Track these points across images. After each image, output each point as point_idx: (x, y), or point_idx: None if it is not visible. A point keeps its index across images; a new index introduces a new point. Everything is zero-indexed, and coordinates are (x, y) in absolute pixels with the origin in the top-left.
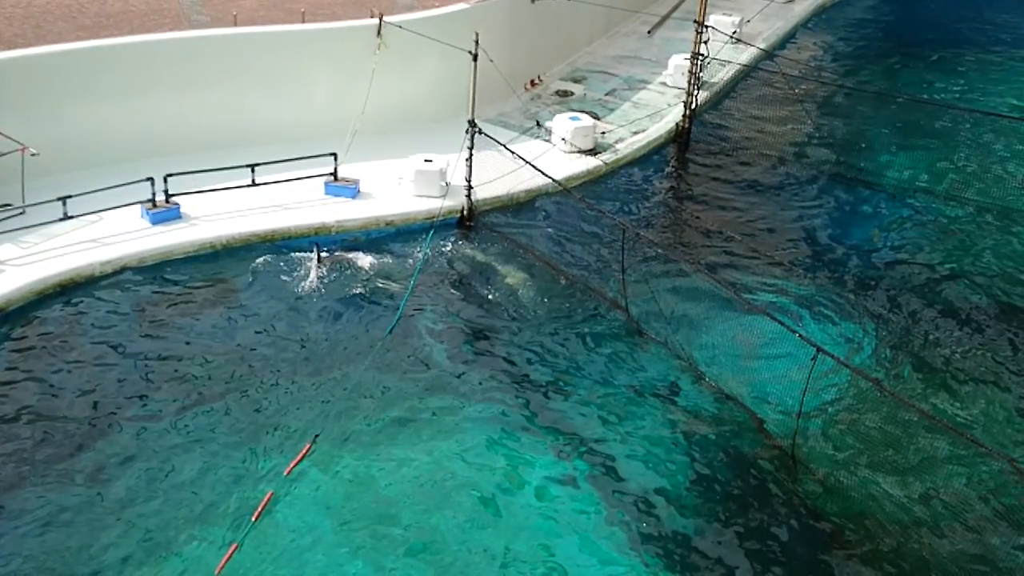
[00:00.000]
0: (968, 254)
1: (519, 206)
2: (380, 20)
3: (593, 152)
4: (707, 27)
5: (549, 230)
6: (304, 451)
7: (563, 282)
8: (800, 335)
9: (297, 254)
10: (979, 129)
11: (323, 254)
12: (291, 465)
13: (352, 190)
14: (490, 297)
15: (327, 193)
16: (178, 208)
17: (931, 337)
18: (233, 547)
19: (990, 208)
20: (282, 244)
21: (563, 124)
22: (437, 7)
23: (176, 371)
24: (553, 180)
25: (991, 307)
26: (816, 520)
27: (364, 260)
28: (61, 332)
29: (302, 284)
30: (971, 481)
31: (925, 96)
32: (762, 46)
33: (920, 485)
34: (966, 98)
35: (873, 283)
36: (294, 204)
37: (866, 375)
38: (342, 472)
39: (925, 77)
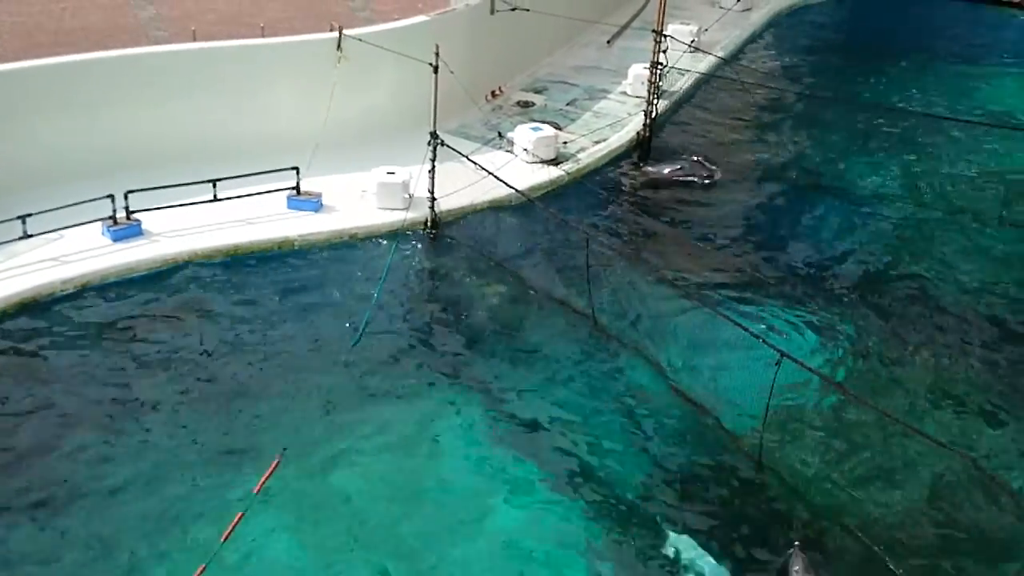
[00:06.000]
0: (927, 257)
1: (483, 216)
2: (340, 33)
3: (555, 162)
4: (666, 36)
5: (514, 240)
6: (272, 467)
7: (529, 291)
8: (764, 340)
9: (262, 267)
10: (935, 134)
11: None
12: (260, 482)
13: (315, 204)
14: (456, 307)
15: (289, 207)
16: (139, 225)
17: (893, 341)
18: (201, 568)
19: (949, 210)
20: (245, 259)
21: (525, 134)
22: (396, 19)
23: (140, 388)
24: (516, 190)
25: (951, 310)
26: (781, 522)
27: (327, 272)
28: (22, 351)
29: (267, 298)
30: (932, 478)
31: (881, 102)
32: (720, 54)
33: (882, 483)
34: (920, 103)
35: (836, 288)
36: (256, 219)
37: (828, 378)
38: (312, 486)
39: (879, 83)
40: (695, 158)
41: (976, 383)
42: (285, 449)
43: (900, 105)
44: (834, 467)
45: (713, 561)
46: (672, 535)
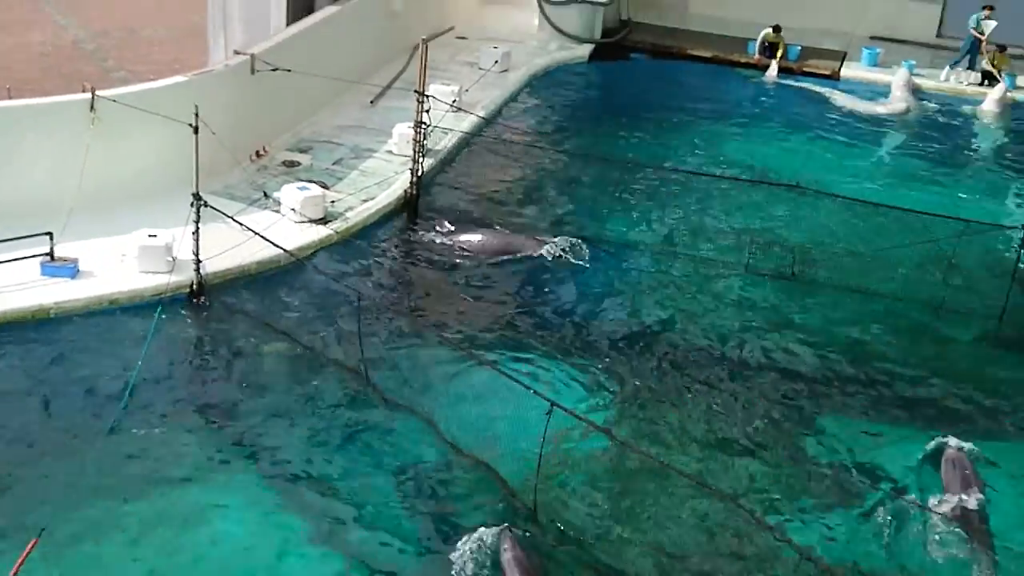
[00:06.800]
0: (682, 305)
1: (252, 278)
2: (93, 95)
3: (324, 221)
4: (428, 96)
5: (285, 300)
6: (28, 549)
7: (302, 352)
8: (535, 392)
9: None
10: (687, 189)
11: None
12: (15, 567)
13: (70, 269)
14: (225, 372)
15: (43, 274)
16: None
17: (655, 386)
18: None
19: (700, 260)
20: None
21: (292, 194)
22: (152, 80)
23: None
24: (285, 251)
25: (707, 353)
26: (559, 569)
27: (87, 341)
28: None
29: (20, 371)
30: (701, 519)
31: (636, 158)
32: (482, 114)
33: (655, 527)
34: (672, 159)
35: (599, 339)
36: (7, 287)
37: (596, 425)
38: (74, 570)
39: (633, 141)
40: (500, 228)
41: (733, 421)
42: (43, 530)
43: (653, 162)
44: (606, 511)
45: None
46: None
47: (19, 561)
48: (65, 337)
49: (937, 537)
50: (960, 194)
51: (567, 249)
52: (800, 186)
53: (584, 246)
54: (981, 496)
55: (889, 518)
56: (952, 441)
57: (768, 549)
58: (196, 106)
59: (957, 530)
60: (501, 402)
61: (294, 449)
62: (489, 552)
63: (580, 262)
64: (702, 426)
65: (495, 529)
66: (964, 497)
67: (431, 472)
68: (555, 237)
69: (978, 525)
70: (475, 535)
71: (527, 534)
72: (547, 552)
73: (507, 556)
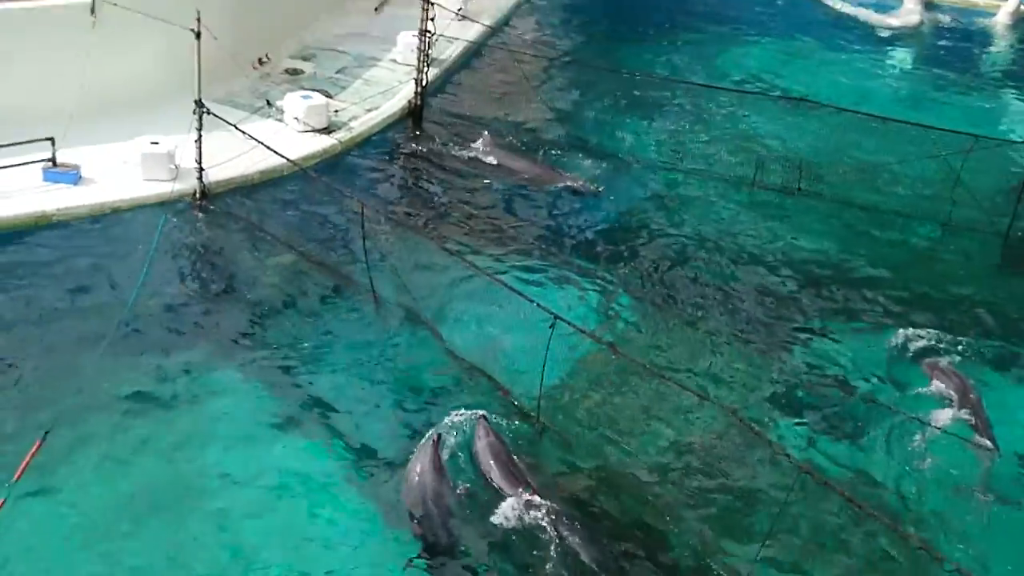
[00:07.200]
0: (689, 219)
1: (254, 187)
2: None
3: (327, 131)
4: (433, 4)
5: (288, 211)
6: (33, 451)
7: (305, 263)
8: (539, 304)
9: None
10: (697, 101)
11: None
12: (20, 468)
13: (73, 176)
14: (230, 280)
15: (46, 180)
16: None
17: (660, 300)
18: None
19: (709, 174)
20: None
21: (295, 103)
22: None
23: None
24: (288, 160)
25: (713, 269)
26: (562, 477)
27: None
28: None
29: (25, 275)
30: (702, 430)
31: (646, 70)
32: (488, 22)
33: (655, 437)
34: (682, 71)
35: (605, 252)
36: (9, 193)
37: (598, 338)
38: (79, 472)
39: (643, 52)
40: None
41: (740, 337)
42: (47, 432)
43: (663, 73)
44: (607, 422)
45: None
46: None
47: (25, 460)
48: (68, 243)
49: (935, 441)
50: (970, 108)
51: (585, 183)
52: (808, 100)
53: (599, 183)
54: (977, 395)
55: (887, 427)
56: (941, 360)
57: (765, 458)
58: (198, 11)
59: (956, 431)
60: (505, 315)
61: (294, 352)
62: (465, 434)
63: (592, 189)
64: (702, 339)
65: (471, 414)
66: (961, 397)
67: (430, 378)
68: (575, 173)
69: (980, 417)
70: (451, 417)
71: (504, 424)
72: (549, 459)
73: (481, 443)
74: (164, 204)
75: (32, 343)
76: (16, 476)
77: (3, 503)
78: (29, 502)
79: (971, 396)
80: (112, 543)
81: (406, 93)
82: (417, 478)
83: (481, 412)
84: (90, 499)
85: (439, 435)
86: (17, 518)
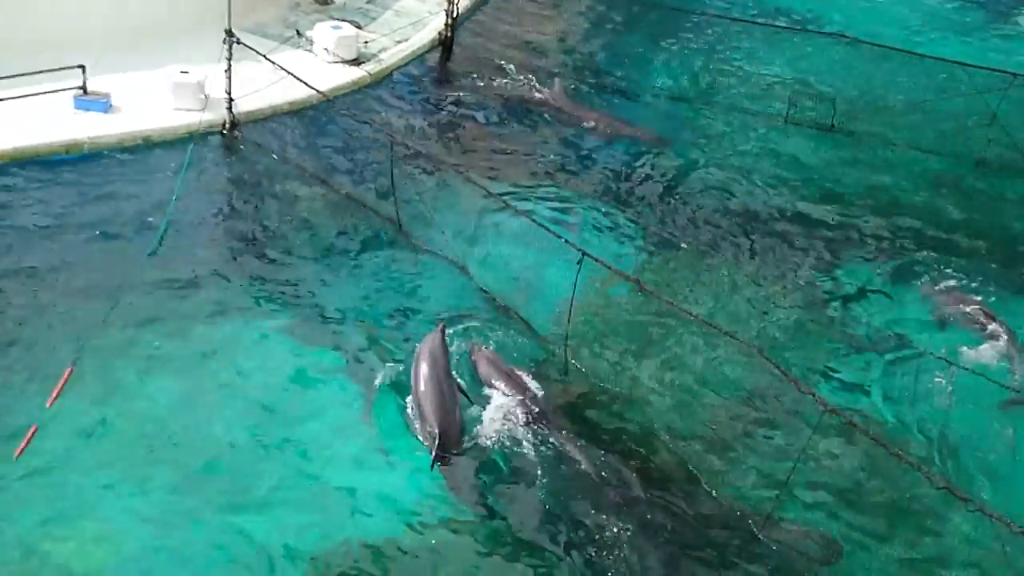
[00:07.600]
0: (720, 156)
1: (283, 118)
2: None
3: (357, 62)
4: None
5: (316, 142)
6: (64, 378)
7: (332, 195)
8: (567, 240)
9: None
10: (729, 37)
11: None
12: (53, 395)
13: (103, 104)
14: (258, 212)
15: (77, 108)
16: None
17: (690, 239)
18: None
19: (741, 110)
20: (29, 163)
21: (325, 33)
22: None
23: None
24: (317, 91)
25: (743, 207)
26: (587, 409)
27: (122, 176)
28: None
29: (55, 203)
30: (725, 365)
31: (676, 4)
32: None
33: (679, 373)
34: (714, 6)
35: (636, 189)
36: (40, 121)
37: (626, 275)
38: (111, 398)
39: None
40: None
41: (767, 276)
42: (77, 359)
43: (695, 6)
44: (633, 359)
45: None
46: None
47: (57, 387)
48: (98, 171)
49: (963, 381)
50: (1009, 46)
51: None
52: (844, 35)
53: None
54: (1009, 331)
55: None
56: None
57: (792, 400)
58: None
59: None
60: (533, 251)
61: (319, 281)
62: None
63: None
64: (727, 276)
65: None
66: (994, 334)
67: (463, 318)
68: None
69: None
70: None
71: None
72: (574, 395)
73: (479, 355)
74: (193, 134)
75: (61, 271)
76: (49, 403)
77: (36, 429)
78: (62, 426)
79: (1003, 332)
80: (140, 467)
81: (436, 25)
82: (423, 355)
83: (476, 343)
84: (120, 425)
85: (444, 324)
86: (49, 442)
